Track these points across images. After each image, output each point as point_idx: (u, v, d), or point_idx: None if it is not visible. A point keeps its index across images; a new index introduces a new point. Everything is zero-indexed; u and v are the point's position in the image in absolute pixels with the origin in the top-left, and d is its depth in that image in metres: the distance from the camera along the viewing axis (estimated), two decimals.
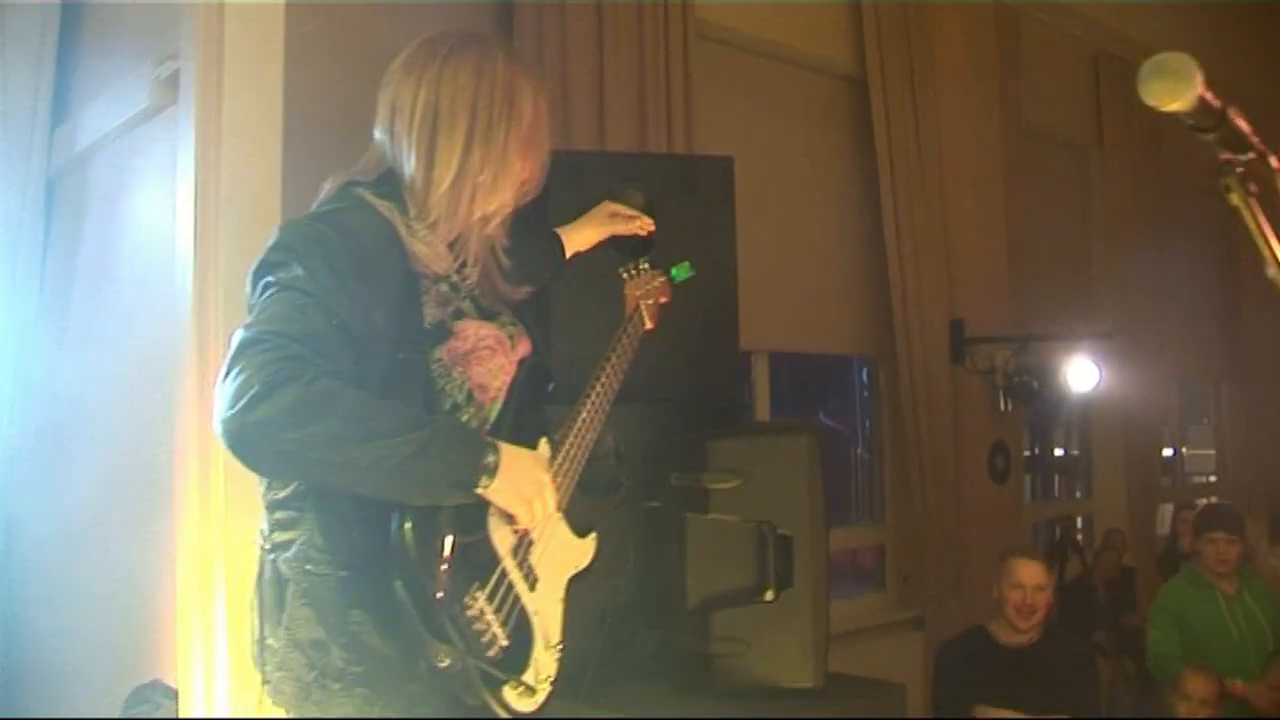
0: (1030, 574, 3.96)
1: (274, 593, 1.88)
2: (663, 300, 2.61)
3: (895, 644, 5.05)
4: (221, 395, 1.67)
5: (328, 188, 2.02)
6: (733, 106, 4.60)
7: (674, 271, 2.69)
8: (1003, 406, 5.32)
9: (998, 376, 5.27)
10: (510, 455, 1.83)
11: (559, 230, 2.57)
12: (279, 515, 1.88)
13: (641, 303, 2.54)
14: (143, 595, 2.76)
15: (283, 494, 1.87)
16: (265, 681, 1.90)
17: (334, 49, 2.84)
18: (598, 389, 2.24)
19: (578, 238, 2.55)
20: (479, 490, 1.79)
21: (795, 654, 3.02)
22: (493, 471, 1.79)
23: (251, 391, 1.63)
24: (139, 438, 2.83)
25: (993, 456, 5.35)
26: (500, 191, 1.99)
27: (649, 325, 2.54)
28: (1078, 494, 7.02)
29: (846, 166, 5.07)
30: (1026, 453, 6.32)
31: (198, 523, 2.52)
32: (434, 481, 1.77)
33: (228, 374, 1.68)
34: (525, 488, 1.86)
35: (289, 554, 1.85)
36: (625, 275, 2.59)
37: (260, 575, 1.91)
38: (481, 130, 1.95)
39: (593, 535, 2.16)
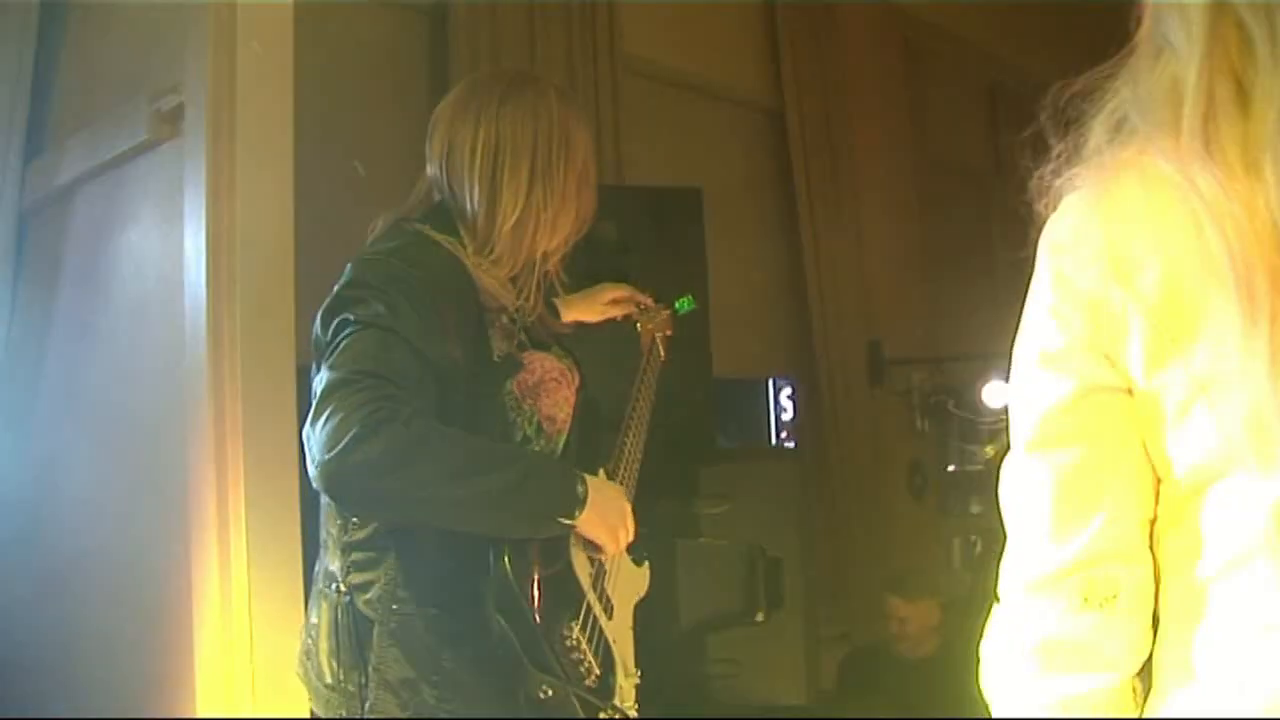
0: (892, 608, 4.21)
1: (352, 635, 1.85)
2: (668, 333, 2.65)
3: (824, 658, 5.16)
4: (315, 439, 1.66)
5: (379, 225, 2.02)
6: (656, 136, 4.66)
7: (678, 305, 2.74)
8: (919, 425, 5.50)
9: (914, 396, 5.45)
10: (595, 486, 1.86)
11: (555, 300, 2.56)
12: (356, 556, 1.87)
13: (655, 335, 2.59)
14: (145, 668, 2.68)
15: (361, 534, 1.86)
16: None
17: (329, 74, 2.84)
18: (634, 423, 2.28)
19: (576, 312, 2.46)
20: (571, 521, 1.81)
21: (787, 673, 3.10)
22: (583, 502, 1.82)
23: (350, 433, 1.62)
24: (139, 486, 2.75)
25: (911, 473, 5.53)
26: (561, 228, 2.02)
27: (663, 357, 2.58)
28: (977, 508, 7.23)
29: (765, 194, 5.19)
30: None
31: (219, 599, 2.47)
32: (532, 514, 1.80)
33: (318, 417, 1.67)
34: (611, 516, 1.90)
35: (370, 595, 1.84)
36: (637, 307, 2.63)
37: (332, 619, 1.89)
38: (542, 168, 1.97)
39: (647, 563, 2.20)
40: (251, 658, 2.47)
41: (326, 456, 1.63)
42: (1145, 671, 1.12)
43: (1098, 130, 1.09)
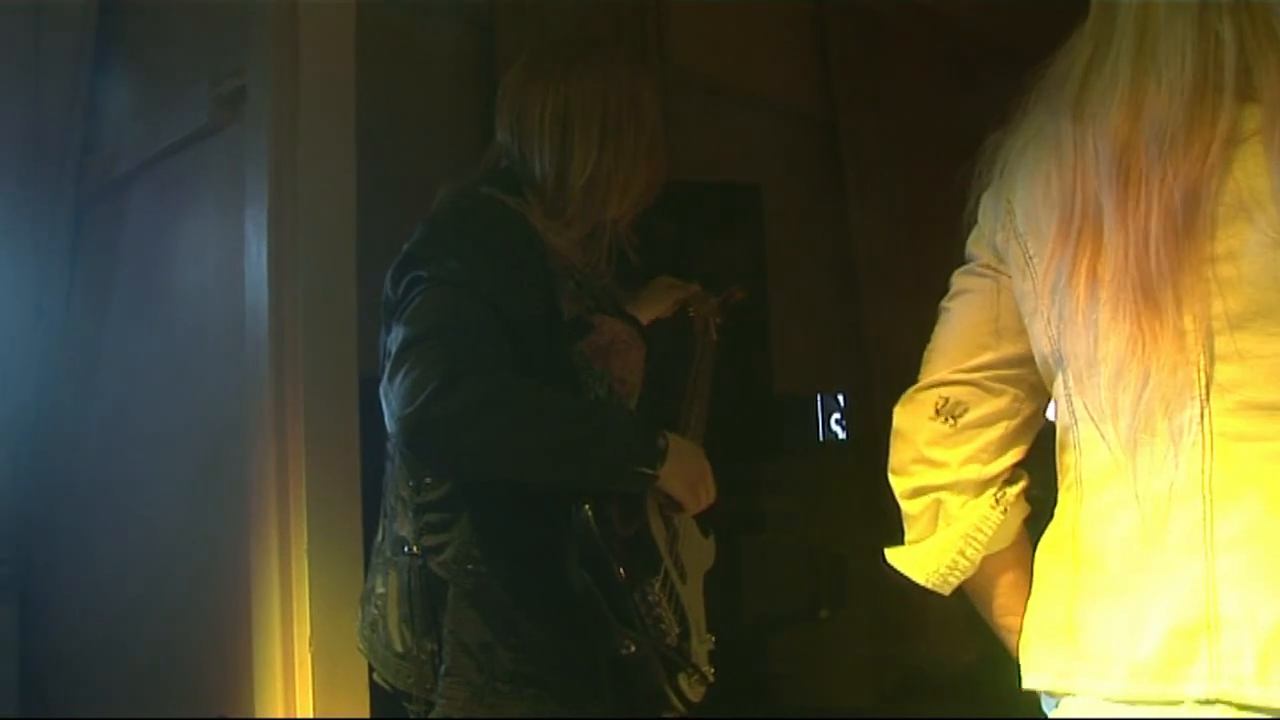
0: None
1: (425, 600, 1.82)
2: (718, 320, 2.62)
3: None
4: (394, 394, 1.66)
5: (441, 194, 2.01)
6: (706, 147, 4.62)
7: (726, 295, 2.70)
8: None
9: None
10: (675, 441, 1.84)
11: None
12: (430, 518, 1.84)
13: (708, 320, 2.56)
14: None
15: (434, 496, 1.84)
16: (416, 699, 1.82)
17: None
18: (695, 400, 2.25)
19: (647, 310, 2.38)
20: (653, 472, 1.77)
21: (850, 673, 3.03)
22: (664, 455, 1.79)
23: (431, 386, 1.62)
24: (199, 473, 2.73)
25: None
26: (631, 191, 2.00)
27: (714, 340, 2.55)
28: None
29: (819, 206, 5.13)
30: None
31: (278, 589, 2.44)
32: (613, 464, 1.77)
33: (396, 372, 1.67)
34: (691, 473, 1.88)
35: (444, 556, 1.81)
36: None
37: (403, 585, 1.85)
38: (613, 130, 1.97)
39: (712, 536, 2.16)
40: (310, 648, 2.44)
41: (407, 410, 1.63)
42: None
43: (1031, 97, 1.29)
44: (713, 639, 1.97)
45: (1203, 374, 1.08)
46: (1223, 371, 1.07)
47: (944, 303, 1.39)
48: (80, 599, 3.10)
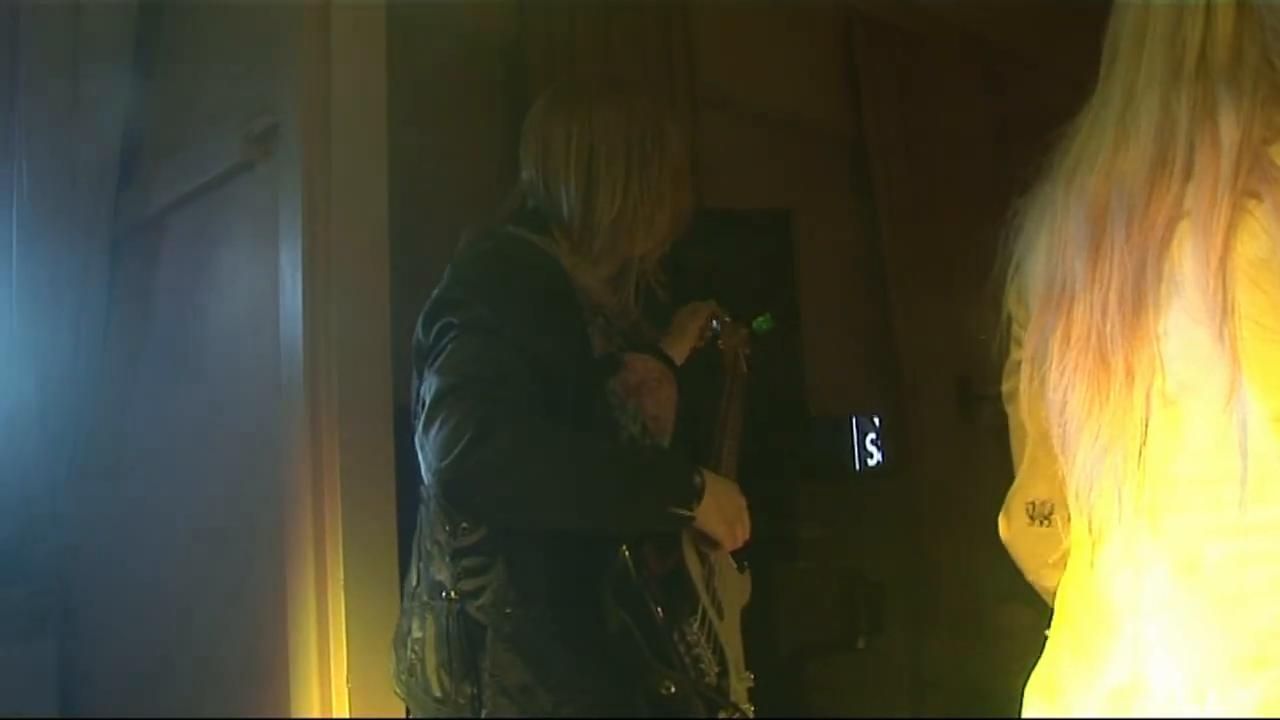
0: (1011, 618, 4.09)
1: (463, 644, 1.81)
2: (748, 351, 2.61)
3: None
4: (430, 446, 1.65)
5: (465, 236, 2.00)
6: (736, 169, 4.61)
7: (755, 324, 2.69)
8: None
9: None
10: (711, 478, 1.83)
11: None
12: (467, 562, 1.83)
13: (738, 351, 2.54)
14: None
15: (471, 540, 1.83)
16: None
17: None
18: (728, 434, 2.23)
19: (680, 345, 2.35)
20: (689, 513, 1.76)
21: (889, 702, 3.00)
22: (701, 493, 1.78)
23: (465, 438, 1.61)
24: (235, 507, 2.74)
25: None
26: (659, 225, 2.00)
27: (745, 371, 2.53)
28: None
29: (850, 227, 5.11)
30: None
31: (315, 619, 2.45)
32: (651, 505, 1.76)
33: (430, 424, 1.66)
34: (728, 510, 1.86)
35: (482, 600, 1.80)
36: (717, 325, 2.59)
37: (441, 630, 1.84)
38: (638, 165, 1.96)
39: (748, 571, 2.15)
40: (348, 684, 2.44)
41: (443, 463, 1.62)
42: None
43: (1052, 158, 1.28)
44: (751, 676, 1.95)
45: (1144, 447, 1.12)
46: (1157, 445, 1.11)
47: (1005, 405, 1.42)
48: (117, 633, 3.11)
